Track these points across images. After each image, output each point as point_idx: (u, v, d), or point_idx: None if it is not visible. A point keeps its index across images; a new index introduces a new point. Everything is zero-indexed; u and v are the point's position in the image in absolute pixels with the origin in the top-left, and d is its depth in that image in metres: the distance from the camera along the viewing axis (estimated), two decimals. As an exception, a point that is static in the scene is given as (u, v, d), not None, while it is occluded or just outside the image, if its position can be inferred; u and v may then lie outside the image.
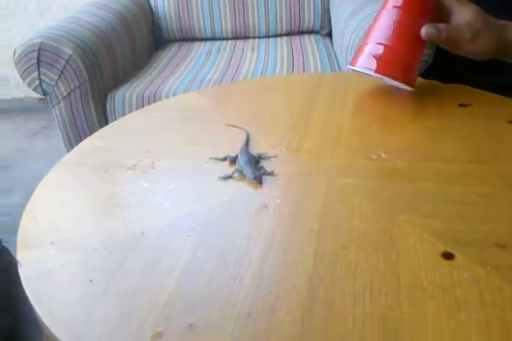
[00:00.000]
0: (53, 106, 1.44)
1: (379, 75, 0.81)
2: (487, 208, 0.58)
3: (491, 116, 0.78)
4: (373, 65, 0.80)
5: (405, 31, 0.80)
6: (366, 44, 0.83)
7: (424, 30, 0.77)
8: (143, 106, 1.38)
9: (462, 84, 0.88)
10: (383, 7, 0.82)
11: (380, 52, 0.80)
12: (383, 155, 0.69)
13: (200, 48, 1.77)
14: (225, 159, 0.70)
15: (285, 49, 1.68)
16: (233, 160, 0.69)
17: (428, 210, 0.58)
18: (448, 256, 0.51)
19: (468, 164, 0.66)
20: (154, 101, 1.39)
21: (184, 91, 1.41)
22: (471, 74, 0.91)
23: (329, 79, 0.99)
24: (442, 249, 0.52)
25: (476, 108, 0.81)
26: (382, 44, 0.80)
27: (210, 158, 0.70)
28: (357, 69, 0.83)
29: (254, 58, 1.62)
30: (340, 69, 1.46)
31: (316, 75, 1.21)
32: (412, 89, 0.83)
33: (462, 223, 0.56)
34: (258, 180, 0.64)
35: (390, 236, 0.54)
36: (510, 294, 0.46)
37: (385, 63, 0.80)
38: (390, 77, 0.81)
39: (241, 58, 1.63)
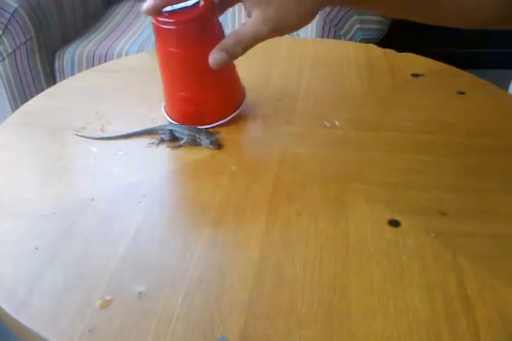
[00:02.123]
0: (-3, 63, 1.37)
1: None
2: (432, 176, 0.60)
3: (441, 86, 0.79)
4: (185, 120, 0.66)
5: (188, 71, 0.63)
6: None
7: (211, 60, 0.58)
8: (93, 66, 1.33)
9: (416, 54, 0.88)
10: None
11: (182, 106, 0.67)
12: (337, 124, 0.69)
13: (154, 6, 1.70)
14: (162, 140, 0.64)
15: (243, 11, 1.64)
16: (171, 138, 0.64)
17: (377, 178, 0.59)
18: (394, 223, 0.53)
19: (416, 134, 0.68)
20: (105, 61, 1.34)
21: (137, 51, 1.36)
22: (427, 44, 0.92)
23: (287, 44, 0.97)
24: (389, 216, 0.53)
25: (428, 78, 0.82)
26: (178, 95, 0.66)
27: (149, 144, 0.65)
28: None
29: (211, 19, 1.57)
30: (298, 34, 1.44)
31: (273, 40, 1.19)
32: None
33: (408, 191, 0.57)
34: (216, 145, 0.62)
35: (340, 204, 0.55)
36: (451, 260, 0.48)
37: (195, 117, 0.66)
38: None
39: (197, 18, 1.58)
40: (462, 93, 0.77)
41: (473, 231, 0.52)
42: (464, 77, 0.82)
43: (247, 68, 0.86)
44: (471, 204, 0.55)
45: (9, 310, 0.43)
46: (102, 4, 1.73)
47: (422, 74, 0.82)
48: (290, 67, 0.86)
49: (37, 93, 0.80)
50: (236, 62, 0.92)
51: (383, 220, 0.53)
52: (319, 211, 0.54)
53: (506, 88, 0.91)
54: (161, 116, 0.70)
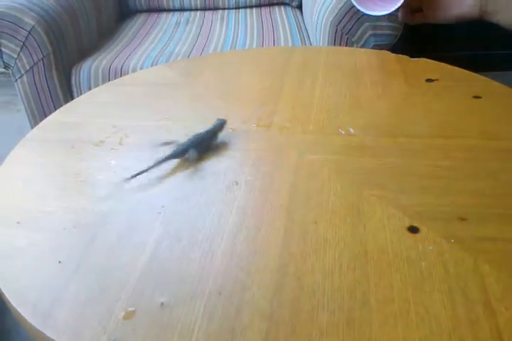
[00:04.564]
0: (16, 80, 1.39)
1: None
2: (450, 181, 0.59)
3: (456, 91, 0.79)
4: None
5: None
6: None
7: None
8: (109, 80, 1.35)
9: (430, 59, 0.88)
10: None
11: None
12: (351, 131, 0.70)
13: (167, 19, 1.72)
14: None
15: (255, 21, 1.65)
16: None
17: (394, 185, 0.59)
18: (413, 229, 0.52)
19: (432, 139, 0.68)
20: (121, 75, 1.36)
21: (152, 65, 1.38)
22: (441, 48, 0.92)
23: (299, 53, 0.98)
24: (408, 222, 0.53)
25: (443, 83, 0.81)
26: None
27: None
28: None
29: (224, 30, 1.59)
30: (310, 43, 1.45)
31: (286, 49, 1.20)
32: None
33: (426, 197, 0.57)
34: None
35: (357, 211, 0.55)
36: (472, 265, 0.48)
37: None
38: None
39: (210, 30, 1.60)
40: (478, 97, 0.76)
41: (494, 236, 0.51)
42: (480, 81, 0.82)
43: (261, 77, 0.87)
44: (490, 209, 0.55)
45: (34, 322, 0.44)
46: (115, 18, 1.76)
47: (436, 79, 0.82)
48: (303, 75, 0.87)
49: (55, 108, 0.82)
50: (249, 69, 0.93)
51: (402, 227, 0.53)
52: (337, 218, 0.54)
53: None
54: (177, 127, 0.71)
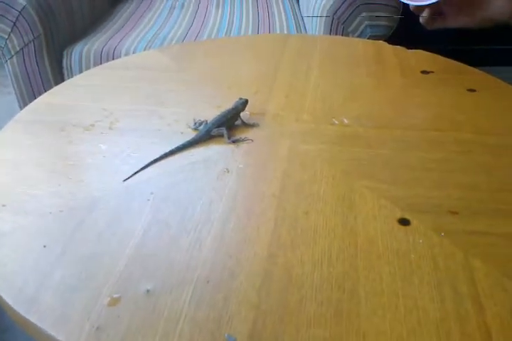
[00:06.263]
0: (6, 61, 1.37)
1: None
2: (442, 174, 0.59)
3: (451, 83, 0.78)
4: None
5: None
6: None
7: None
8: (101, 64, 1.33)
9: (426, 51, 0.88)
10: None
11: None
12: (345, 121, 0.69)
13: (162, 3, 1.70)
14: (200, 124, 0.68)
15: (251, 8, 1.63)
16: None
17: (386, 176, 0.59)
18: (404, 222, 0.52)
19: (426, 131, 0.67)
20: (113, 59, 1.34)
21: (145, 49, 1.36)
22: (437, 41, 0.91)
23: (295, 41, 0.97)
24: (399, 215, 0.53)
25: (438, 75, 0.81)
26: None
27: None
28: None
29: (219, 16, 1.57)
30: (306, 31, 1.43)
31: (281, 36, 1.18)
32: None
33: (418, 189, 0.57)
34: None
35: (349, 202, 0.55)
36: (462, 259, 0.48)
37: None
38: None
39: (205, 16, 1.57)
40: (472, 90, 0.76)
41: (485, 231, 0.51)
42: (475, 75, 0.81)
43: (255, 65, 0.86)
44: (481, 203, 0.55)
45: (17, 307, 0.43)
46: (109, 1, 1.73)
47: (431, 72, 0.82)
48: (298, 64, 0.86)
49: (45, 90, 0.80)
50: (244, 57, 0.92)
51: (393, 218, 0.52)
52: (328, 209, 0.54)
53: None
54: (168, 113, 0.70)
